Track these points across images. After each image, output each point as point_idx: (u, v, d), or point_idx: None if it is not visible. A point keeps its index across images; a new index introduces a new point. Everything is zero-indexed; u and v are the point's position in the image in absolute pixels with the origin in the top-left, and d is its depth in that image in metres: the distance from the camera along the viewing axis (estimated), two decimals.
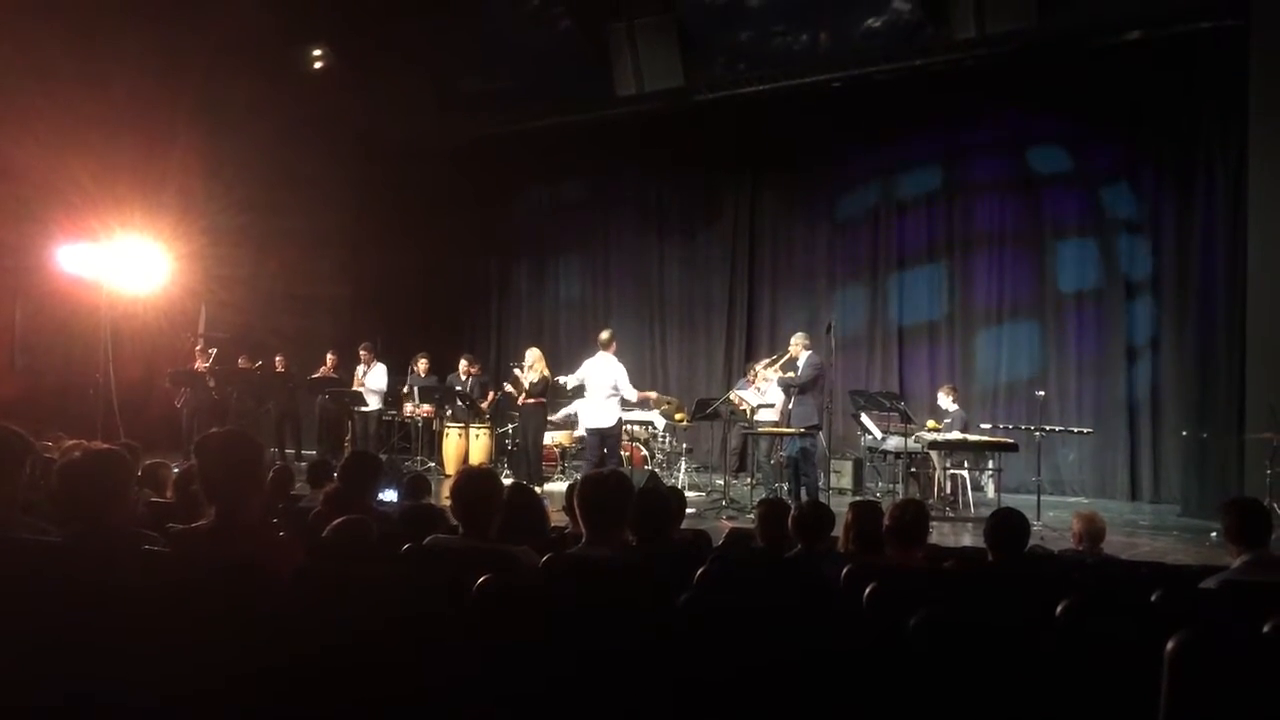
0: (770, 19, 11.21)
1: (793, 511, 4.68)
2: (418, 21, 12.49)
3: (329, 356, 12.98)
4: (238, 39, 11.96)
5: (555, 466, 12.42)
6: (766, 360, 10.95)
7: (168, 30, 11.58)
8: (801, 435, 9.62)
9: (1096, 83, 11.34)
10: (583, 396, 10.66)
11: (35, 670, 2.70)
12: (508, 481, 4.92)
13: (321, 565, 3.14)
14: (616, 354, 10.40)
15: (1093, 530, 5.57)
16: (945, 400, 10.88)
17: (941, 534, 8.41)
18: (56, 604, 2.76)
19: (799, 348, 9.83)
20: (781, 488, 10.38)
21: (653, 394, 11.47)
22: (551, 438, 12.22)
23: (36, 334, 12.06)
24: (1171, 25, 10.31)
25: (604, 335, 10.47)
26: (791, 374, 9.89)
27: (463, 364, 12.73)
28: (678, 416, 11.93)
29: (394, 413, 12.97)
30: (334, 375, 12.85)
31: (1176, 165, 11.12)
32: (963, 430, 10.38)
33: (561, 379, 11.06)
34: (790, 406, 9.93)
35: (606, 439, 10.26)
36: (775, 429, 10.44)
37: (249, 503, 3.04)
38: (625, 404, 10.60)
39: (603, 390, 10.17)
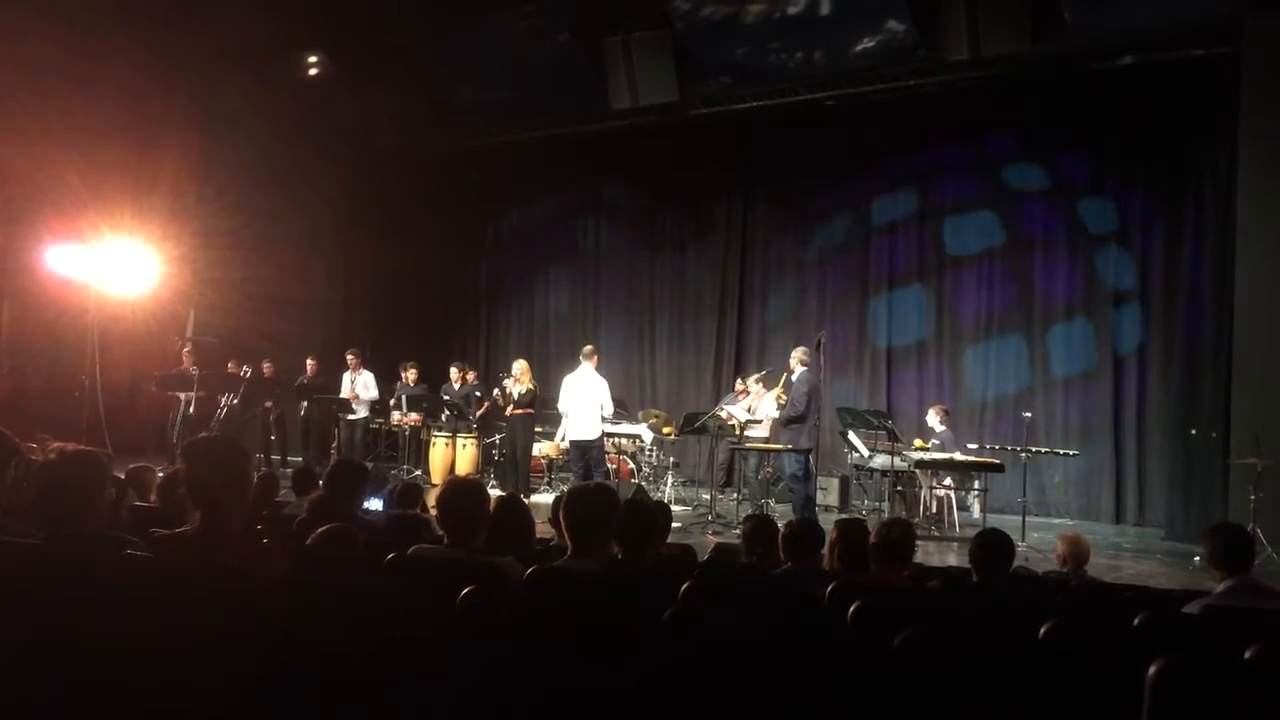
0: (766, 36, 11.25)
1: (784, 529, 4.67)
2: (415, 31, 12.50)
3: (310, 362, 12.95)
4: (232, 43, 11.97)
5: (542, 478, 12.41)
6: (759, 374, 10.96)
7: (160, 33, 11.56)
8: (790, 452, 9.64)
9: (1088, 106, 11.41)
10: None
11: (11, 673, 2.68)
12: (495, 492, 4.90)
13: (306, 574, 3.13)
14: (602, 368, 10.46)
15: (1077, 552, 5.59)
16: (934, 420, 10.88)
17: (927, 553, 8.42)
18: (36, 607, 2.74)
19: (797, 362, 9.83)
20: (768, 503, 10.39)
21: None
22: (539, 449, 12.20)
23: (23, 336, 12.00)
24: (1164, 51, 10.40)
25: (587, 348, 10.61)
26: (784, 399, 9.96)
27: (454, 371, 12.71)
28: (665, 430, 11.92)
29: (380, 420, 12.94)
30: (318, 381, 12.83)
31: (1166, 190, 11.20)
32: (948, 452, 10.40)
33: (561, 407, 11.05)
34: (783, 426, 9.96)
35: (588, 452, 10.28)
36: (763, 445, 10.46)
37: (235, 510, 3.02)
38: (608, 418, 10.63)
39: (585, 403, 10.20)
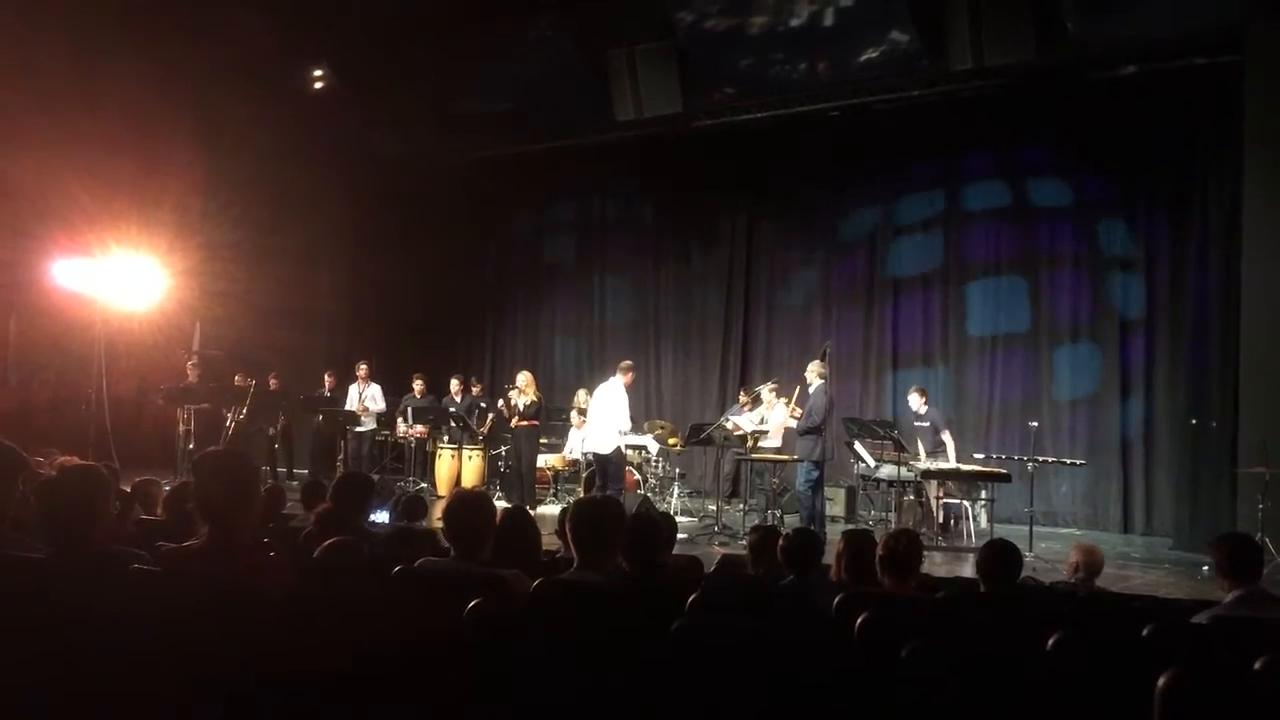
0: (770, 47, 11.26)
1: (781, 540, 4.67)
2: (419, 43, 12.54)
3: (327, 377, 12.96)
4: (237, 57, 12.00)
5: (548, 489, 12.39)
6: (772, 384, 10.91)
7: (166, 48, 11.61)
8: (800, 462, 9.66)
9: (1093, 116, 11.41)
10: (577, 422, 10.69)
11: (16, 685, 2.68)
12: (500, 504, 4.90)
13: (312, 586, 3.13)
14: (631, 383, 10.50)
15: (1091, 563, 5.56)
16: (916, 401, 10.71)
17: (934, 563, 8.39)
18: (41, 621, 2.75)
19: (815, 375, 9.86)
20: (774, 513, 10.38)
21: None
22: (544, 460, 12.21)
23: (31, 349, 12.04)
24: (1167, 61, 10.39)
25: (625, 363, 10.55)
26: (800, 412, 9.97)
27: (454, 384, 12.70)
28: (671, 441, 11.91)
29: (387, 433, 12.95)
30: (330, 394, 12.85)
31: (1171, 198, 11.20)
32: (940, 430, 10.40)
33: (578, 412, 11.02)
34: (799, 436, 9.98)
35: (605, 465, 10.25)
36: (768, 456, 10.44)
37: (242, 523, 3.03)
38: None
39: (602, 415, 10.18)
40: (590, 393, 11.15)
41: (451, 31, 12.37)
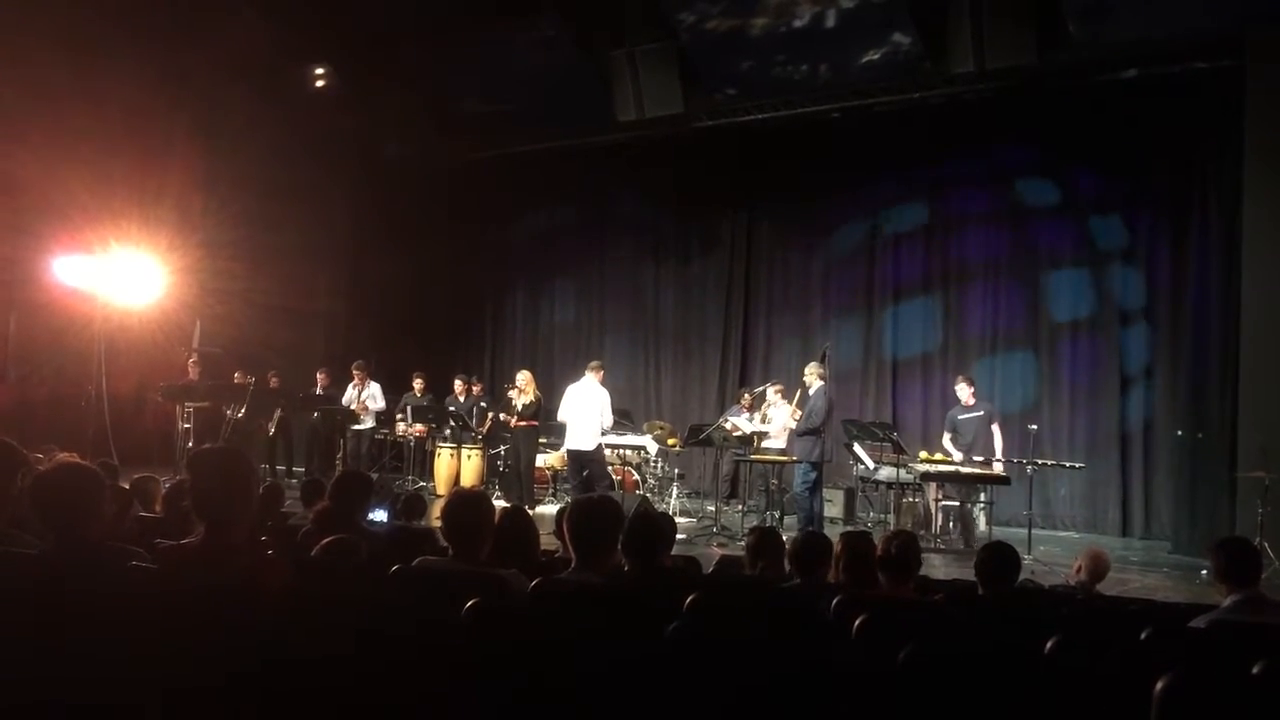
0: (771, 49, 11.27)
1: (789, 543, 4.65)
2: (420, 43, 12.55)
3: (319, 375, 12.95)
4: (238, 56, 12.00)
5: (547, 489, 12.39)
6: (777, 386, 10.87)
7: (167, 46, 11.61)
8: (798, 464, 9.64)
9: (1094, 118, 11.41)
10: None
11: (12, 683, 2.68)
12: (499, 504, 4.89)
13: (309, 585, 3.12)
14: (606, 380, 10.57)
15: (1097, 569, 5.56)
16: (965, 392, 10.48)
17: (932, 566, 8.37)
18: (36, 617, 2.74)
19: (815, 377, 9.85)
20: (773, 514, 10.38)
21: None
22: (543, 460, 12.20)
23: (30, 346, 12.02)
24: (1168, 65, 10.39)
25: (594, 363, 10.73)
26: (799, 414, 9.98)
27: (458, 384, 12.71)
28: (670, 442, 11.91)
29: (386, 431, 12.94)
30: (323, 393, 12.85)
31: (1172, 202, 11.20)
32: (992, 421, 10.29)
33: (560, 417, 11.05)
34: (798, 437, 9.98)
35: (587, 463, 10.30)
36: (766, 457, 10.43)
37: (239, 521, 3.02)
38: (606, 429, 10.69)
39: (585, 414, 10.23)
40: None
41: (451, 31, 12.37)
